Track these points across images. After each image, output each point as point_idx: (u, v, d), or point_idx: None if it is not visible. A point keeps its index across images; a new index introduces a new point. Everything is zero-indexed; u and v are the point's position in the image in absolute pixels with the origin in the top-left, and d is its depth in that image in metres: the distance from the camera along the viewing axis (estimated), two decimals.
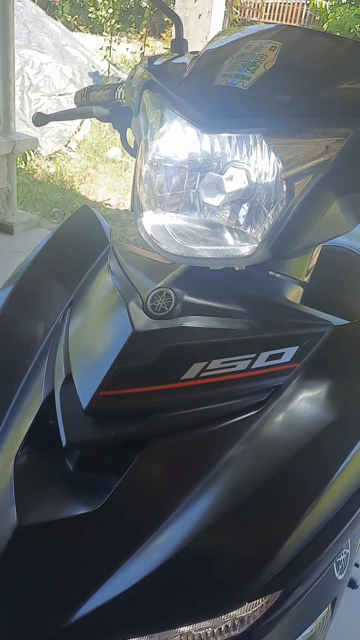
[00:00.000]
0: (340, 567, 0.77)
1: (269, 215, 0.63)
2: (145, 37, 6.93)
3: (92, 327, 0.74)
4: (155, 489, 0.64)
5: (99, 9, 7.72)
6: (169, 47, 0.87)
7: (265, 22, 10.75)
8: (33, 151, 4.71)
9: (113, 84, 0.94)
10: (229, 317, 0.67)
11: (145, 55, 6.67)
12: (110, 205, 4.35)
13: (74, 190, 4.56)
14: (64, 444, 0.65)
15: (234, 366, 0.65)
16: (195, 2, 4.41)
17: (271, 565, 0.59)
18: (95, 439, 0.65)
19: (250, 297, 0.69)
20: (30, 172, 4.68)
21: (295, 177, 0.60)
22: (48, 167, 4.87)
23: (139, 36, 8.01)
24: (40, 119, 1.03)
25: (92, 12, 8.96)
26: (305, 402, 0.67)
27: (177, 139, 0.66)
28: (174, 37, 0.86)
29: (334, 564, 0.74)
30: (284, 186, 0.60)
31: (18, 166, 3.96)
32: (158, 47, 8.84)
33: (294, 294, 0.77)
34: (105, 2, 7.24)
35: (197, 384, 0.65)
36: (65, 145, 5.23)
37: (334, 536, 0.63)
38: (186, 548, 0.59)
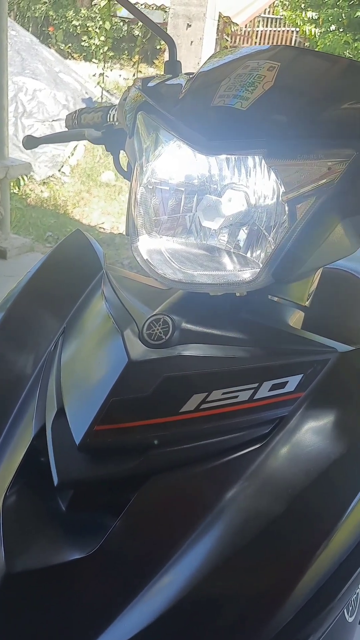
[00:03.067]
0: (350, 608, 0.72)
1: (269, 238, 0.61)
2: (138, 64, 7.05)
3: (86, 357, 0.70)
4: (153, 530, 0.60)
5: (92, 37, 7.86)
6: (162, 72, 0.86)
7: None
8: (26, 176, 4.72)
9: (105, 106, 0.92)
10: (229, 345, 0.64)
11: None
12: (104, 229, 4.35)
13: (68, 215, 4.56)
14: (55, 483, 0.61)
15: (236, 397, 0.62)
16: (187, 29, 4.49)
17: (280, 613, 0.55)
18: (89, 477, 0.61)
19: (251, 323, 0.66)
20: (24, 196, 4.69)
21: (298, 200, 0.58)
22: (42, 191, 4.88)
23: (132, 63, 8.16)
24: (31, 142, 1.01)
25: (85, 40, 9.13)
26: (312, 433, 0.64)
27: (173, 162, 0.64)
28: (167, 59, 0.85)
29: (345, 607, 0.70)
30: (286, 209, 0.58)
31: (11, 191, 3.96)
32: (150, 73, 8.98)
33: (295, 319, 0.74)
34: (98, 30, 7.37)
35: (197, 417, 0.61)
36: (59, 170, 5.25)
37: (347, 579, 0.59)
38: (188, 595, 0.55)
